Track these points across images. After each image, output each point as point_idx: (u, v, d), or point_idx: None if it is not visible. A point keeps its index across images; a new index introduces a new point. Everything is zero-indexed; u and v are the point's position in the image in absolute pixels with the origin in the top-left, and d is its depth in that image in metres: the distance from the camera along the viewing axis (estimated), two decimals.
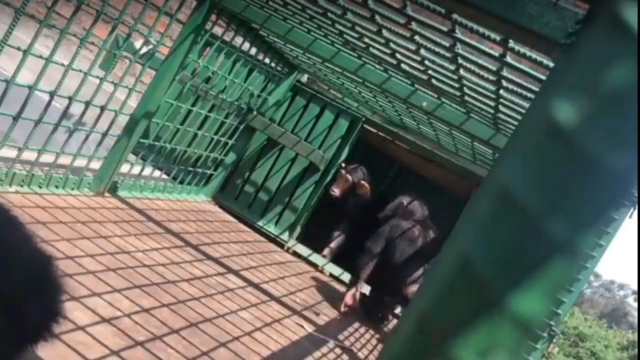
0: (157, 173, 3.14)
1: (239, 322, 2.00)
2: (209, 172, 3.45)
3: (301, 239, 3.52)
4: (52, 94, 2.05)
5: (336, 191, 3.42)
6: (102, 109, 2.31)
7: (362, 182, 3.39)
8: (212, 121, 3.18)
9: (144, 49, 2.62)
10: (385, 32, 1.67)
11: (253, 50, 3.14)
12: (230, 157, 3.52)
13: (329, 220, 3.60)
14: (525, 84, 1.49)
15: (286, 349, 2.01)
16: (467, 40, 1.38)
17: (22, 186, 2.13)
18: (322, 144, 3.51)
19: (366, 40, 1.93)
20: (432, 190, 3.88)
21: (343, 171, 3.43)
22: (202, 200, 3.41)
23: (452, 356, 0.42)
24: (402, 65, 2.03)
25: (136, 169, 2.82)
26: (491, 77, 1.55)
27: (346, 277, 3.38)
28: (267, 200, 3.53)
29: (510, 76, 1.48)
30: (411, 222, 2.85)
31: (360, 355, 2.36)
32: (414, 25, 1.48)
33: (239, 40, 2.96)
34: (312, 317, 2.46)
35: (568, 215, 0.40)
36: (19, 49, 1.85)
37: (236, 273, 2.48)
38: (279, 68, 3.45)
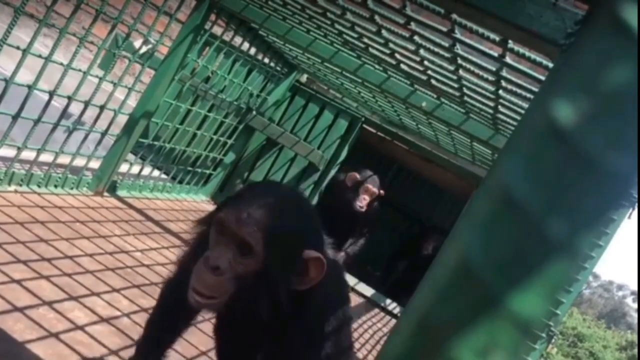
0: (156, 173, 3.13)
1: None
2: (208, 171, 3.45)
3: None
4: (51, 94, 2.05)
5: (364, 206, 3.34)
6: (102, 108, 2.30)
7: (382, 191, 3.39)
8: (211, 121, 3.18)
9: (144, 49, 2.61)
10: (384, 32, 1.67)
11: (252, 50, 3.14)
12: (230, 157, 3.51)
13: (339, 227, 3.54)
14: (524, 84, 1.49)
15: None
16: (467, 40, 1.38)
17: (21, 185, 2.13)
18: (321, 144, 3.51)
19: (365, 40, 1.93)
20: (431, 190, 3.89)
21: (369, 185, 3.35)
22: (201, 200, 3.41)
23: (451, 356, 0.42)
24: (402, 66, 2.03)
25: (135, 169, 2.82)
26: (490, 78, 1.55)
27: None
28: None
29: (509, 76, 1.48)
30: None
31: (360, 355, 2.36)
32: (413, 26, 1.48)
33: (238, 40, 2.96)
34: None
35: (567, 216, 0.40)
36: (18, 48, 1.85)
37: None
38: (278, 68, 3.45)
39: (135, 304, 1.71)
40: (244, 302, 1.07)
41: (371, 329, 2.79)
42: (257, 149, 3.58)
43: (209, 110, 3.21)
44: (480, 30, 1.17)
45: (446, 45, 1.47)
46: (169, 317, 1.32)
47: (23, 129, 2.06)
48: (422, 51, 1.67)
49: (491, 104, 1.86)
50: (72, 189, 2.38)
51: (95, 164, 2.52)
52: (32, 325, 1.35)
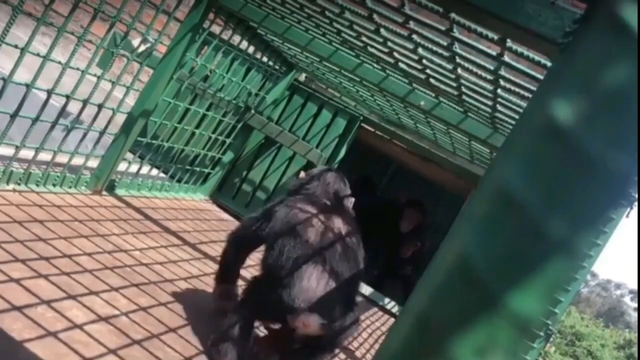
0: (154, 171, 3.13)
1: None
2: (206, 170, 3.45)
3: None
4: (49, 92, 2.05)
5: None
6: (100, 107, 2.30)
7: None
8: (209, 120, 3.18)
9: (142, 47, 2.61)
10: (383, 31, 1.67)
11: (251, 49, 3.13)
12: (228, 156, 3.51)
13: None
14: (523, 83, 1.49)
15: None
16: (465, 39, 1.38)
17: (19, 184, 2.12)
18: (319, 143, 3.51)
19: (364, 39, 1.92)
20: (430, 189, 3.89)
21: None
22: (199, 199, 3.41)
23: (449, 354, 0.42)
24: (400, 64, 2.03)
25: (134, 168, 2.82)
26: (489, 77, 1.55)
27: None
28: (264, 199, 3.53)
29: (508, 75, 1.48)
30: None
31: (358, 354, 2.37)
32: (412, 24, 1.48)
33: (236, 38, 2.96)
34: None
35: (566, 214, 0.40)
36: (16, 46, 1.84)
37: None
38: (276, 66, 3.45)
39: (134, 303, 1.71)
40: None
41: (369, 328, 2.79)
42: (255, 147, 3.58)
43: (208, 109, 3.21)
44: (479, 29, 1.17)
45: (445, 44, 1.47)
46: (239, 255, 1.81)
47: (21, 127, 2.06)
48: (420, 50, 1.67)
49: (489, 102, 1.86)
50: (70, 187, 2.38)
51: (93, 163, 2.52)
52: (30, 324, 1.35)
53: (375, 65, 2.37)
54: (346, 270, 1.65)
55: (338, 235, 1.68)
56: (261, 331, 1.87)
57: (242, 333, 1.63)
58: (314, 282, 1.59)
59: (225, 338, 1.62)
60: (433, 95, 2.33)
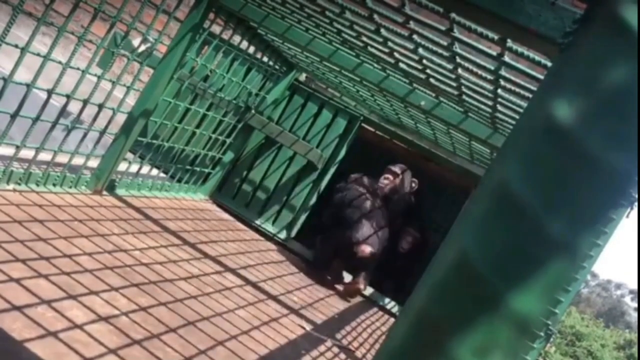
0: (154, 171, 3.13)
1: (237, 321, 1.99)
2: (206, 170, 3.45)
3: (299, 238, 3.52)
4: (49, 92, 2.05)
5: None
6: (100, 107, 2.30)
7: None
8: (210, 119, 3.18)
9: (142, 47, 2.61)
10: (383, 31, 1.67)
11: (251, 49, 3.14)
12: (228, 156, 3.51)
13: None
14: (523, 83, 1.49)
15: (284, 348, 2.01)
16: (465, 39, 1.38)
17: (19, 184, 2.12)
18: (320, 143, 3.51)
19: (364, 39, 1.93)
20: (430, 188, 3.89)
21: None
22: (199, 199, 3.41)
23: (449, 354, 0.42)
24: (400, 64, 2.03)
25: (134, 167, 2.82)
26: (489, 77, 1.55)
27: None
28: (264, 199, 3.53)
29: (508, 75, 1.48)
30: (360, 190, 3.16)
31: (358, 354, 2.37)
32: (412, 24, 1.48)
33: (237, 38, 2.96)
34: (310, 316, 2.46)
35: (566, 215, 0.40)
36: (16, 46, 1.84)
37: (233, 271, 2.48)
38: (277, 66, 3.45)
39: (134, 303, 1.71)
40: None
41: (370, 328, 2.79)
42: (255, 147, 3.58)
43: (208, 109, 3.21)
44: (479, 29, 1.17)
45: (445, 44, 1.47)
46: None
47: (21, 127, 2.06)
48: (420, 50, 1.67)
49: (490, 102, 1.86)
50: (70, 187, 2.38)
51: (93, 163, 2.52)
52: (30, 324, 1.35)
53: (375, 65, 2.38)
54: (382, 225, 3.07)
55: (378, 207, 3.12)
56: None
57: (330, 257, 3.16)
58: (368, 229, 3.00)
59: (319, 260, 3.23)
60: (433, 95, 2.33)
